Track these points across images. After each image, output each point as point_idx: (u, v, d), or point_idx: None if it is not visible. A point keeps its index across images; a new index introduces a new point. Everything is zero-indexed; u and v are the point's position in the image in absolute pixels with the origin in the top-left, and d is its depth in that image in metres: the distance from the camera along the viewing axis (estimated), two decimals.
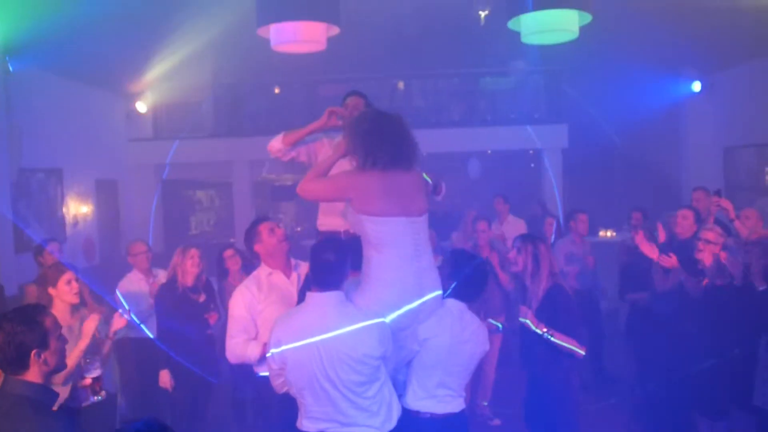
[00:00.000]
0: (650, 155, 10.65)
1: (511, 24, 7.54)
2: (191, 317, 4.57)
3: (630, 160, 10.63)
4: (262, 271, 3.60)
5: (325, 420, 2.79)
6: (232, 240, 10.72)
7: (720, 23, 8.03)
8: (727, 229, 4.89)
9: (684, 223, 5.02)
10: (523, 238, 3.80)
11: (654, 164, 10.69)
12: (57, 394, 2.41)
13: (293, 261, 3.71)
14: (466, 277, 3.14)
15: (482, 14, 11.75)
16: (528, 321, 3.57)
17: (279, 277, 3.58)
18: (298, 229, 12.72)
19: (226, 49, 10.21)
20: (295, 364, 2.77)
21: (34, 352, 2.30)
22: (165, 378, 4.54)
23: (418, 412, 3.03)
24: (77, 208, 8.85)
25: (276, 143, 3.76)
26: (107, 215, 9.99)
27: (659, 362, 4.91)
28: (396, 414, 2.89)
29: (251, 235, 3.64)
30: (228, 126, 11.61)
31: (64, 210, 8.52)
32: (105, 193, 9.89)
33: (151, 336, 4.75)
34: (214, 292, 4.98)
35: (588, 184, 10.64)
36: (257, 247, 3.61)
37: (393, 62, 10.91)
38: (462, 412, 3.15)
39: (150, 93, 10.50)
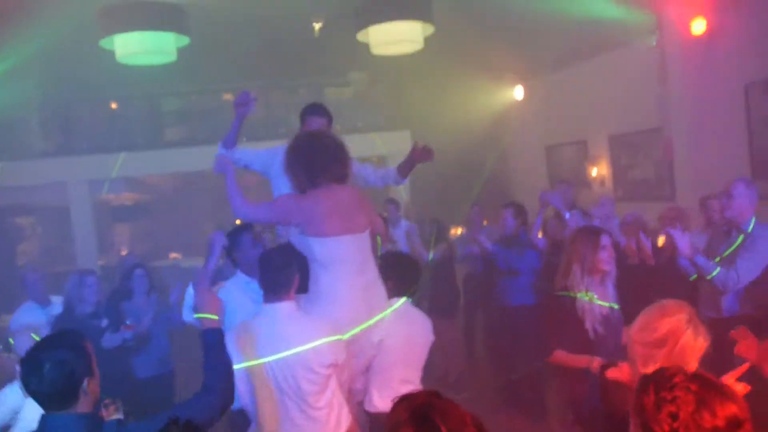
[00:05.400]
0: (481, 157, 11.56)
1: (360, 36, 7.89)
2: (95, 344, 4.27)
3: (465, 162, 11.40)
4: (241, 279, 3.54)
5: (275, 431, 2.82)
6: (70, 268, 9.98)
7: (533, 35, 8.97)
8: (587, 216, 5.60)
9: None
10: None
11: (485, 165, 11.59)
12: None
13: None
14: (397, 275, 3.32)
15: (316, 26, 12.03)
16: None
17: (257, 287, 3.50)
18: (123, 252, 11.67)
19: (54, 62, 9.54)
20: (249, 375, 2.80)
21: (85, 381, 2.05)
22: None
23: (386, 413, 3.13)
24: None
25: (220, 150, 3.73)
26: None
27: None
28: (345, 424, 2.97)
29: (233, 243, 3.58)
30: (60, 145, 10.76)
31: None
32: None
33: None
34: (117, 314, 4.68)
35: (431, 186, 11.25)
36: (238, 256, 3.56)
37: (236, 75, 10.83)
38: None
39: None
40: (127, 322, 4.46)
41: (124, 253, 10.55)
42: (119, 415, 2.60)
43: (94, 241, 10.24)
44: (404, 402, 1.60)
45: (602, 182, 9.40)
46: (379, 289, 3.18)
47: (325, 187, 3.04)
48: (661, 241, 4.68)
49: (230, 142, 3.72)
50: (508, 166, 12.14)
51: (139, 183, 11.82)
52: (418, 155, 3.80)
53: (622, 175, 9.03)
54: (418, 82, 10.51)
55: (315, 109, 3.79)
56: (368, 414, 3.23)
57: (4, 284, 8.92)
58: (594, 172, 9.51)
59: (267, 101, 12.06)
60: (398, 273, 3.34)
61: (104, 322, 4.50)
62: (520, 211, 5.66)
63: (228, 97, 12.14)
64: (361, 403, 3.25)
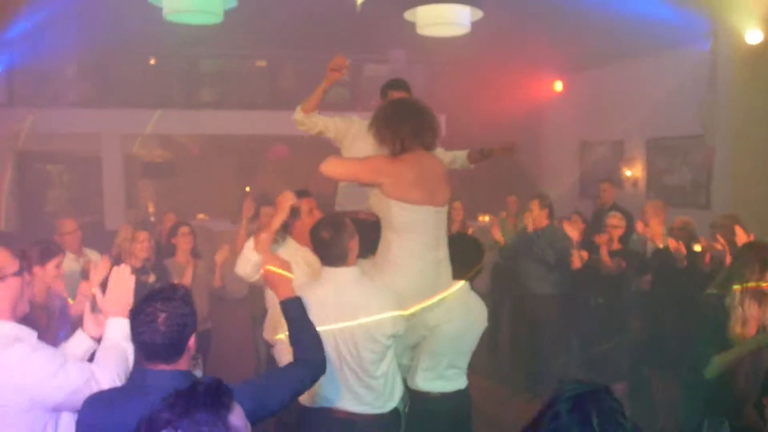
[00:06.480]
0: (514, 147, 11.39)
1: (407, 15, 7.79)
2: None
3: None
4: (291, 247, 3.39)
5: (330, 398, 2.79)
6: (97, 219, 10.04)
7: (579, 28, 8.79)
8: (628, 215, 5.54)
9: None
10: None
11: (518, 155, 11.45)
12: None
13: None
14: (462, 257, 3.21)
15: (359, 1, 11.87)
16: None
17: (309, 254, 3.34)
18: (152, 218, 11.34)
19: (96, 12, 9.51)
20: None
21: (193, 336, 2.02)
22: None
23: (428, 393, 3.13)
24: None
25: (297, 115, 3.73)
26: None
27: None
28: (398, 394, 2.93)
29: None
30: (95, 96, 10.75)
31: None
32: None
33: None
34: (166, 271, 4.71)
35: (457, 172, 11.15)
36: (293, 222, 3.42)
37: (275, 43, 10.75)
38: (467, 387, 3.27)
39: (5, 55, 9.48)
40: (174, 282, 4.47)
41: (151, 209, 10.61)
42: (200, 371, 2.56)
43: (122, 195, 10.29)
44: (569, 388, 1.50)
45: (635, 183, 9.29)
46: (447, 269, 3.10)
47: (413, 152, 2.96)
48: (698, 247, 4.68)
49: (312, 105, 3.71)
50: (540, 159, 12.01)
51: (171, 141, 11.81)
52: (502, 152, 3.95)
53: (657, 179, 8.91)
54: (458, 66, 10.38)
55: (397, 84, 3.79)
56: (409, 391, 3.15)
57: (33, 230, 9.02)
58: (628, 173, 9.40)
59: (300, 72, 12.00)
60: (464, 255, 3.24)
61: (151, 278, 4.52)
62: (545, 201, 5.67)
63: (261, 64, 12.08)
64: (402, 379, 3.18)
